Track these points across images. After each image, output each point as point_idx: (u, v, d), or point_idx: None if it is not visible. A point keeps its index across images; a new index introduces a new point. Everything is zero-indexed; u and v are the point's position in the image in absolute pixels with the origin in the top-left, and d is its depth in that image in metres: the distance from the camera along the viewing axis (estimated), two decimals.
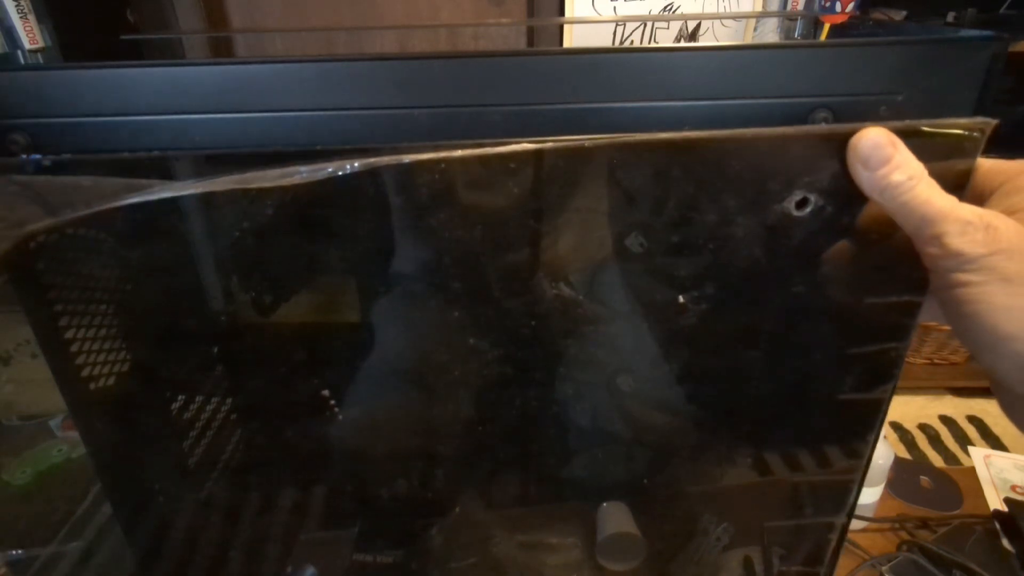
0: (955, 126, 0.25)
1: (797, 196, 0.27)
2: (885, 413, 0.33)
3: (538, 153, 0.26)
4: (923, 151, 0.25)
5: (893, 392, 0.32)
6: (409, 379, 0.39)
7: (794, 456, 0.38)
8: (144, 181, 0.24)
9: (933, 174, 0.24)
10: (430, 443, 0.41)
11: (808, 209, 0.27)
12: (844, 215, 0.27)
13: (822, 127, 0.27)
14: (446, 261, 0.32)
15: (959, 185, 0.25)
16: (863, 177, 0.25)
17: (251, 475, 0.45)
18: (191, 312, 0.36)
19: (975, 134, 0.25)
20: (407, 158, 0.25)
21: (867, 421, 0.33)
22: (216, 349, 0.38)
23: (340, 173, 0.24)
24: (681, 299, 0.31)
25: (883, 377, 0.32)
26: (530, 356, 0.36)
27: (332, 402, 0.38)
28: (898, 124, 0.25)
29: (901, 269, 0.27)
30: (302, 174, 0.24)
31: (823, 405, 0.34)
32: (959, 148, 0.25)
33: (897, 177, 0.24)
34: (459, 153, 0.25)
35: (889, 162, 0.24)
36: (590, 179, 0.29)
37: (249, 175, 0.24)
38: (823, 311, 0.31)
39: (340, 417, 0.39)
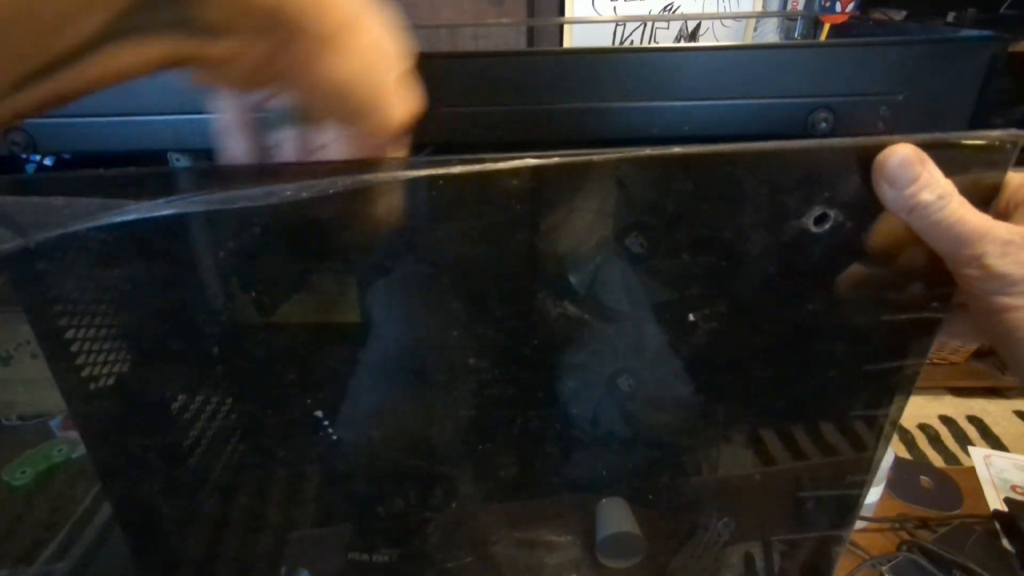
0: (984, 139, 0.23)
1: (816, 212, 0.26)
2: (895, 425, 0.32)
3: (540, 169, 0.25)
4: (949, 165, 0.23)
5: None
6: (407, 378, 0.39)
7: (802, 465, 0.37)
8: (120, 201, 0.23)
9: (959, 189, 0.23)
10: (428, 442, 0.41)
11: (827, 225, 0.26)
12: (865, 231, 0.26)
13: (844, 141, 0.25)
14: (444, 280, 0.31)
15: (986, 201, 0.24)
16: (889, 196, 0.24)
17: (250, 475, 0.44)
18: (189, 312, 0.36)
19: (1007, 147, 0.23)
20: (402, 175, 0.24)
21: (877, 433, 0.33)
22: (215, 350, 0.38)
23: (331, 191, 0.22)
24: (692, 317, 0.31)
25: (897, 394, 0.31)
26: (532, 361, 0.36)
27: (329, 405, 0.38)
28: (925, 137, 0.23)
29: (923, 286, 0.26)
30: (289, 192, 0.22)
31: (834, 420, 0.33)
32: (988, 162, 0.24)
33: (927, 196, 0.23)
34: (457, 169, 0.24)
35: (917, 180, 0.23)
36: (596, 194, 0.28)
37: (234, 193, 0.22)
38: (838, 329, 0.30)
39: (338, 417, 0.39)
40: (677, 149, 0.24)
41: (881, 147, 0.23)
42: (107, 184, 0.24)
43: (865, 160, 0.24)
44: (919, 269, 0.26)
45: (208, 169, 0.28)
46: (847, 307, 0.29)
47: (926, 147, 0.23)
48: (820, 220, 0.26)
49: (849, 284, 0.28)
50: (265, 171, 0.25)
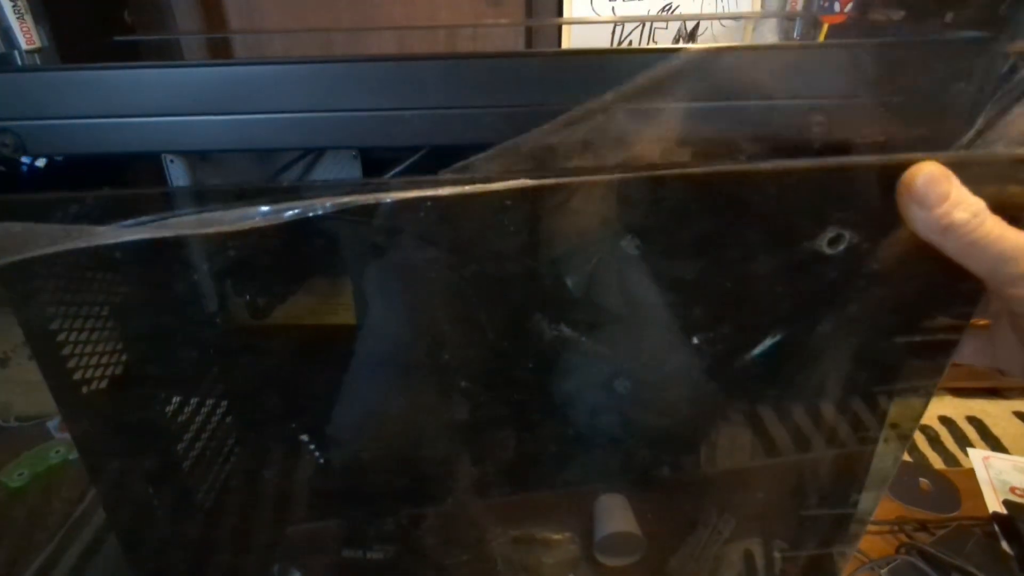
0: (1012, 154, 0.23)
1: (830, 233, 0.25)
2: (906, 442, 0.31)
3: (534, 190, 0.23)
4: (975, 181, 0.22)
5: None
6: (404, 377, 0.39)
7: (807, 478, 0.37)
8: (83, 228, 0.22)
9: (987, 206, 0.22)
10: (426, 441, 0.41)
11: (841, 247, 0.25)
12: (881, 252, 0.25)
13: (862, 159, 0.24)
14: (440, 284, 0.31)
15: (1014, 218, 0.23)
16: (920, 217, 0.22)
17: (243, 476, 0.44)
18: (182, 316, 0.36)
19: None
20: (389, 196, 0.22)
21: (885, 448, 0.32)
22: (208, 352, 0.38)
23: (311, 213, 0.21)
24: (696, 340, 0.30)
25: (908, 413, 0.30)
26: (531, 361, 0.35)
27: (325, 406, 0.38)
28: (949, 155, 0.22)
29: (940, 306, 0.25)
30: (263, 215, 0.21)
31: (843, 436, 0.33)
32: (1015, 177, 0.23)
33: (960, 215, 0.22)
34: (446, 191, 0.22)
35: (948, 199, 0.22)
36: (592, 211, 0.27)
37: (205, 217, 0.21)
38: (849, 349, 0.29)
39: (332, 416, 0.38)
40: (684, 169, 0.23)
41: (903, 166, 0.22)
42: (85, 204, 0.23)
43: (884, 179, 0.23)
44: (937, 290, 0.25)
45: (186, 192, 0.27)
46: (859, 328, 0.28)
47: (950, 164, 0.22)
48: (834, 241, 0.25)
49: (862, 305, 0.27)
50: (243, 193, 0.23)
